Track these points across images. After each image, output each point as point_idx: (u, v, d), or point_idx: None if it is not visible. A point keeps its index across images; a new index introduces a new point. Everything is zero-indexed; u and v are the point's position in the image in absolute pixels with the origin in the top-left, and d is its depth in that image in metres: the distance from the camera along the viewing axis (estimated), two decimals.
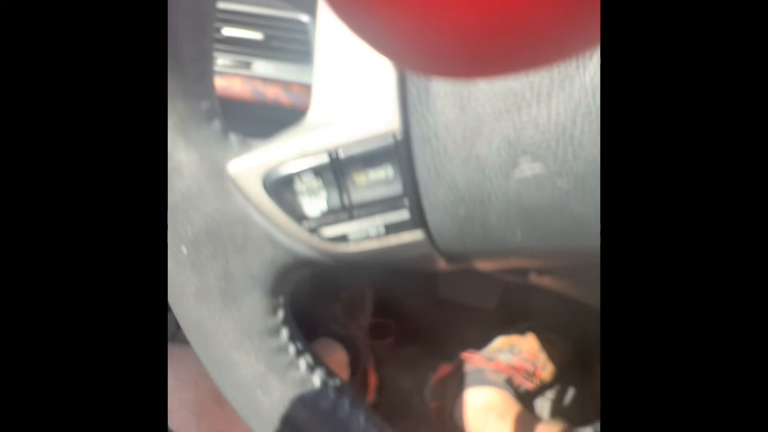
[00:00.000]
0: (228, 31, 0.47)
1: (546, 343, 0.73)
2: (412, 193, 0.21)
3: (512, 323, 0.74)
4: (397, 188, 0.21)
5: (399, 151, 0.21)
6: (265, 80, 0.47)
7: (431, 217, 0.22)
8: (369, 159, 0.21)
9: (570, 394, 0.72)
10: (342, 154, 0.21)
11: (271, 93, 0.47)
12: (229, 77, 0.47)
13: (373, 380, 0.72)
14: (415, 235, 0.23)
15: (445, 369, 0.71)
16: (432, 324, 0.77)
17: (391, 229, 0.22)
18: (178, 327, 0.66)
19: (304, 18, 0.46)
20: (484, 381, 0.67)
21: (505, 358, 0.70)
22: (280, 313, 0.24)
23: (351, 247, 0.23)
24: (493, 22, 0.07)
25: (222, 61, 0.47)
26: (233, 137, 0.23)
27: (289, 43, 0.47)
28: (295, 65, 0.47)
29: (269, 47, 0.47)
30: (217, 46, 0.47)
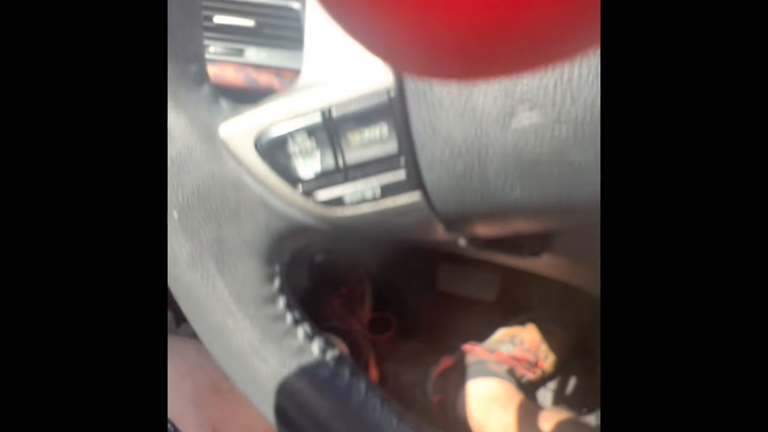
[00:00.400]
0: (220, 19, 0.46)
1: (547, 334, 0.72)
2: (407, 151, 0.21)
3: (512, 315, 0.74)
4: (392, 146, 0.21)
5: (393, 108, 0.20)
6: (258, 67, 0.46)
7: (428, 176, 0.21)
8: (363, 117, 0.21)
9: (572, 383, 0.72)
10: (335, 113, 0.21)
11: (264, 80, 0.46)
12: (222, 65, 0.46)
13: (374, 375, 0.72)
14: (412, 197, 0.22)
15: (446, 362, 0.70)
16: (432, 317, 0.77)
17: (387, 190, 0.22)
18: (176, 323, 0.66)
19: (296, 5, 0.46)
20: (486, 372, 0.66)
21: (506, 350, 0.69)
22: (276, 282, 0.24)
23: (346, 211, 0.23)
24: (489, 26, 0.07)
25: (214, 48, 0.47)
26: (224, 102, 0.23)
27: (281, 29, 0.46)
28: (287, 52, 0.47)
29: (261, 34, 0.47)
30: (210, 34, 0.47)
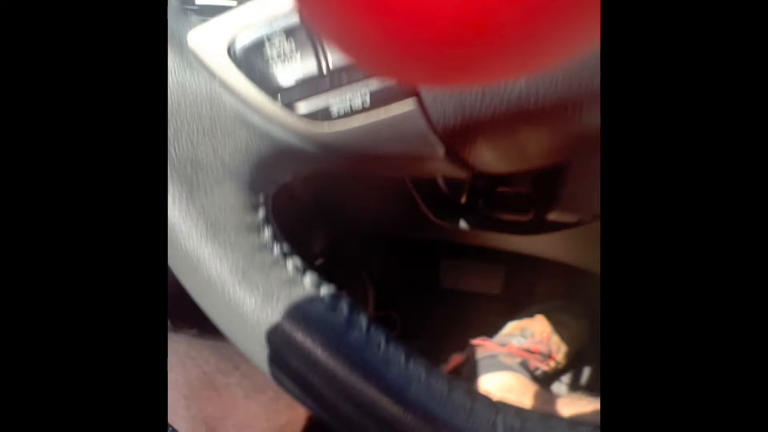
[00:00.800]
0: (202, 0, 0.45)
1: (557, 325, 0.70)
2: None
3: (519, 307, 0.71)
4: None
5: None
6: None
7: None
8: None
9: (586, 372, 0.69)
10: None
11: None
12: None
13: None
14: (405, 105, 0.20)
15: (456, 359, 0.67)
16: (437, 314, 0.74)
17: (377, 97, 0.20)
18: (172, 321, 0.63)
19: None
20: (498, 366, 0.64)
21: (517, 342, 0.67)
22: (261, 212, 0.22)
23: (333, 126, 0.20)
24: (464, 32, 0.07)
25: None
26: (193, 14, 0.21)
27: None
28: None
29: None
30: (192, 16, 0.46)
